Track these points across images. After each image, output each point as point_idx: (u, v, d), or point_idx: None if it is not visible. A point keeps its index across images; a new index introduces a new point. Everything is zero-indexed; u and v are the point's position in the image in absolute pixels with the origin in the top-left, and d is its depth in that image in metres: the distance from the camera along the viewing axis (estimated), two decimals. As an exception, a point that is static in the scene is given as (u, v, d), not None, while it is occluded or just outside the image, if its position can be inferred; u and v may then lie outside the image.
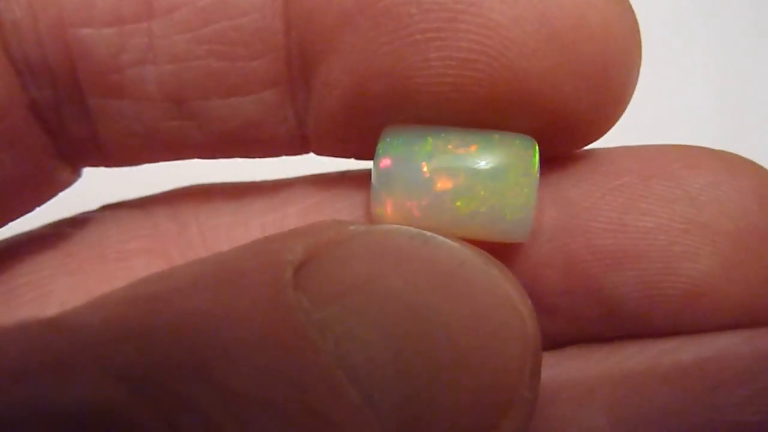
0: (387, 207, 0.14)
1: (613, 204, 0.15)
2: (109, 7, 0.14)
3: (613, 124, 0.15)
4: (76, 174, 0.17)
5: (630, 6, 0.14)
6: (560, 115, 0.14)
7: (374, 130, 0.15)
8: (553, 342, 0.16)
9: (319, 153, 0.17)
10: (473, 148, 0.14)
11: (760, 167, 0.15)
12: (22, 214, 0.16)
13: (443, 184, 0.14)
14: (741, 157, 0.15)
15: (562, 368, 0.15)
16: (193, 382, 0.10)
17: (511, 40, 0.13)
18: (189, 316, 0.10)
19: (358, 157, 0.16)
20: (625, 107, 0.15)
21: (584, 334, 0.16)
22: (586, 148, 0.16)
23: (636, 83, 0.14)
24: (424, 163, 0.14)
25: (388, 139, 0.14)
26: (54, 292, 0.16)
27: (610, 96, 0.14)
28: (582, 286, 0.15)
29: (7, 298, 0.16)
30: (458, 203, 0.14)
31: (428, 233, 0.12)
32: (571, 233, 0.15)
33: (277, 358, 0.10)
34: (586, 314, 0.15)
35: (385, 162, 0.14)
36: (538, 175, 0.14)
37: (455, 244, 0.12)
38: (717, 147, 0.16)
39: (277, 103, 0.15)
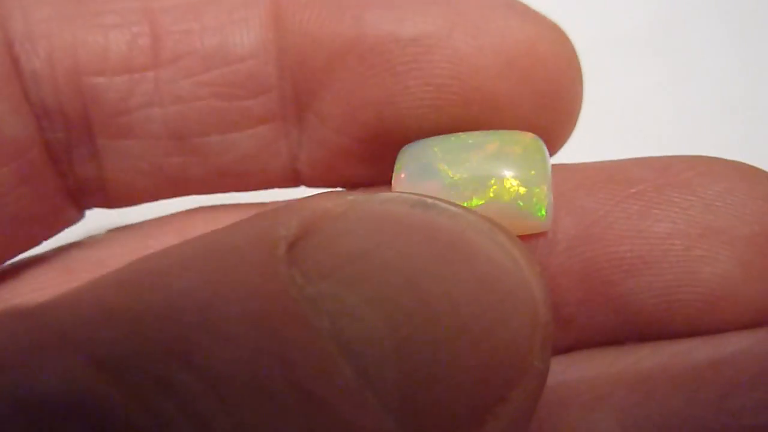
0: None
1: (629, 211, 0.15)
2: (120, 57, 0.16)
3: (567, 137, 0.17)
4: (80, 214, 0.18)
5: (569, 39, 0.16)
6: (524, 128, 0.16)
7: (363, 158, 0.17)
8: (567, 347, 0.16)
9: (310, 185, 0.18)
10: (488, 146, 0.15)
11: None
12: (26, 249, 0.18)
13: (463, 182, 0.14)
14: (753, 166, 0.16)
15: (572, 371, 0.15)
16: (177, 367, 0.09)
17: (477, 66, 0.15)
18: (175, 298, 0.10)
19: (346, 187, 0.18)
20: (576, 120, 0.17)
21: (600, 340, 0.16)
22: (599, 160, 0.16)
23: (581, 100, 0.17)
24: (441, 166, 0.15)
25: (405, 157, 0.16)
26: None
27: (562, 110, 0.16)
28: (600, 294, 0.15)
29: None
30: (478, 200, 0.14)
31: (430, 200, 0.12)
32: (588, 241, 0.15)
33: (266, 338, 0.10)
34: (605, 322, 0.15)
35: (404, 173, 0.15)
36: (549, 163, 0.15)
37: (458, 210, 0.12)
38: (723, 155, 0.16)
39: (271, 138, 0.17)
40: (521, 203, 0.14)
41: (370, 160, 0.17)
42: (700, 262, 0.15)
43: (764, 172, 0.16)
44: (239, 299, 0.10)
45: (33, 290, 0.17)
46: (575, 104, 0.17)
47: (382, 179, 0.17)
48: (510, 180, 0.15)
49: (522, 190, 0.14)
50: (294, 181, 0.18)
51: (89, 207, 0.18)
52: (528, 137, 0.15)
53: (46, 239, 0.18)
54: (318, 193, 0.13)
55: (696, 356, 0.14)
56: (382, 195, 0.12)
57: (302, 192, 0.18)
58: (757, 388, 0.13)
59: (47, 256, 0.18)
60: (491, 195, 0.14)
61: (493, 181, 0.15)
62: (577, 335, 0.16)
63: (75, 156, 0.17)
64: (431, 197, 0.12)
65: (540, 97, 0.16)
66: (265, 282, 0.10)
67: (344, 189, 0.18)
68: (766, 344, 0.14)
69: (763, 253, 0.15)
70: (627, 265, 0.15)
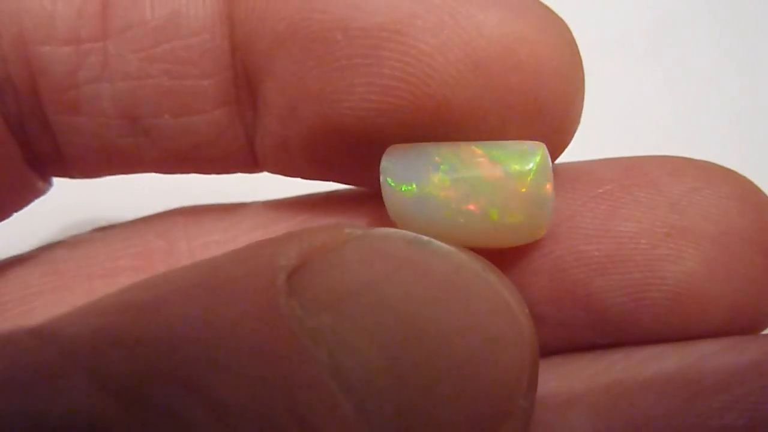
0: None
1: (596, 211, 0.15)
2: (67, 26, 0.15)
3: (556, 156, 0.15)
4: (47, 183, 0.18)
5: (570, 38, 0.14)
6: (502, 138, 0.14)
7: (313, 151, 0.15)
8: (542, 350, 0.15)
9: (271, 171, 0.17)
10: (481, 157, 0.13)
11: (738, 174, 0.16)
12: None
13: (457, 197, 0.13)
14: (719, 165, 0.16)
15: (547, 376, 0.15)
16: (181, 394, 0.09)
17: (434, 68, 0.13)
18: (179, 325, 0.10)
19: (305, 177, 0.17)
20: (568, 140, 0.15)
21: (573, 341, 0.16)
22: (568, 161, 0.16)
23: (579, 115, 0.15)
24: (433, 176, 0.14)
25: (392, 159, 0.14)
26: (38, 307, 0.16)
27: (544, 128, 0.14)
28: (569, 293, 0.15)
29: None
30: (469, 208, 0.13)
31: (426, 238, 0.12)
32: (556, 241, 0.15)
33: (268, 368, 0.10)
34: (574, 321, 0.15)
35: (391, 185, 0.14)
36: (550, 169, 0.14)
37: (453, 249, 0.12)
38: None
39: (228, 122, 0.16)
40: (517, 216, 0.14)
41: (318, 159, 0.15)
42: (665, 261, 0.15)
43: (731, 171, 0.16)
44: (241, 329, 0.10)
45: (20, 290, 0.17)
46: (567, 118, 0.14)
47: (335, 178, 0.16)
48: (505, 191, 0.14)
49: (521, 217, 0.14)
50: (255, 167, 0.17)
51: (53, 176, 0.18)
52: (527, 146, 0.14)
53: (16, 210, 0.17)
54: (317, 226, 0.12)
55: (665, 361, 0.15)
56: (380, 231, 0.12)
57: (264, 177, 0.17)
58: (722, 391, 0.14)
59: (32, 255, 0.17)
60: (488, 211, 0.14)
61: (490, 195, 0.14)
62: (549, 333, 0.15)
63: (30, 129, 0.16)
64: (426, 237, 0.12)
65: (516, 111, 0.14)
66: (265, 312, 0.10)
67: (302, 179, 0.17)
68: (731, 351, 0.14)
69: (728, 251, 0.15)
70: (595, 264, 0.15)
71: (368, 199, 0.16)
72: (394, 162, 0.14)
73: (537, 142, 0.14)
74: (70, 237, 0.18)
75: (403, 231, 0.12)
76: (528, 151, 0.13)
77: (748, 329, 0.15)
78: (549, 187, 0.14)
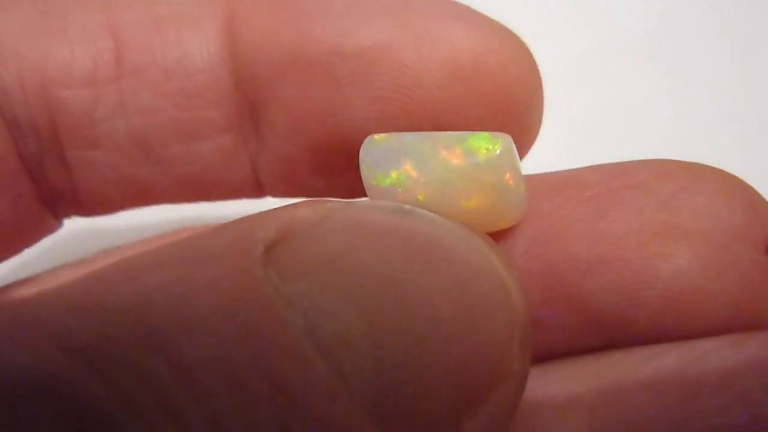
0: None
1: (585, 213, 0.15)
2: (85, 71, 0.17)
3: (527, 147, 0.17)
4: (58, 221, 0.19)
5: (525, 48, 0.16)
6: (502, 116, 0.16)
7: (316, 168, 0.17)
8: (539, 355, 0.16)
9: (274, 195, 0.19)
10: (447, 147, 0.14)
11: (726, 172, 0.16)
12: (8, 257, 0.18)
13: (424, 185, 0.14)
14: (707, 165, 0.16)
15: (544, 378, 0.15)
16: (149, 356, 0.09)
17: (420, 78, 0.15)
18: (148, 292, 0.10)
19: (308, 195, 0.18)
20: (535, 132, 0.17)
21: (569, 345, 0.16)
22: (572, 162, 0.16)
23: (541, 113, 0.17)
24: (402, 165, 0.14)
25: (368, 150, 0.15)
26: None
27: (514, 123, 0.16)
28: (562, 296, 0.15)
29: None
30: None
31: (408, 207, 0.12)
32: (546, 244, 0.15)
33: (239, 332, 0.10)
34: (569, 323, 0.15)
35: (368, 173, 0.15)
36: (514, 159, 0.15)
37: (436, 217, 0.12)
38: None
39: (232, 147, 0.17)
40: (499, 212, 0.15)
41: (324, 171, 0.17)
42: (656, 259, 0.15)
43: (719, 170, 0.16)
44: (213, 295, 0.10)
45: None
46: (531, 114, 0.16)
47: (339, 190, 0.17)
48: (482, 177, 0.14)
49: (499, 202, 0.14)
50: (258, 191, 0.18)
51: (66, 215, 0.19)
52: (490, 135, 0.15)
53: (27, 247, 0.19)
54: (298, 201, 0.13)
55: (664, 360, 0.14)
56: (361, 202, 0.12)
57: (268, 203, 0.19)
58: (723, 389, 0.13)
59: (40, 277, 0.19)
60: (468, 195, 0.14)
61: (467, 182, 0.14)
62: (544, 337, 0.16)
63: (47, 166, 0.17)
64: (410, 206, 0.12)
65: (489, 109, 0.16)
66: (239, 279, 0.10)
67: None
68: (730, 348, 0.14)
69: (720, 247, 0.15)
70: (585, 266, 0.15)
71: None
72: (370, 152, 0.15)
73: (501, 133, 0.15)
74: (79, 260, 0.19)
75: (387, 202, 0.12)
76: (491, 139, 0.14)
77: (748, 325, 0.15)
78: (508, 176, 0.14)
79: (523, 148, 0.17)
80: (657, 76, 0.30)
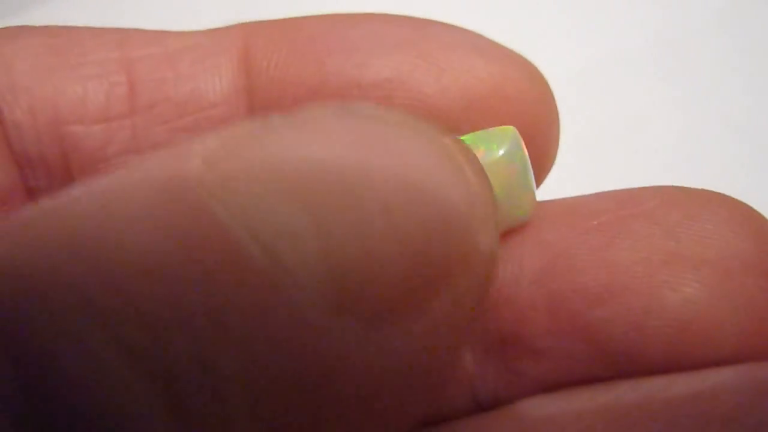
0: None
1: (591, 243, 0.15)
2: (98, 107, 0.17)
3: (543, 175, 0.17)
4: None
5: (542, 77, 0.17)
6: None
7: None
8: (546, 384, 0.16)
9: None
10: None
11: (735, 199, 0.16)
12: None
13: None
14: (714, 192, 0.16)
15: (554, 406, 0.15)
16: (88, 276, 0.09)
17: (439, 108, 0.16)
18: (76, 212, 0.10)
19: None
20: (551, 160, 0.17)
21: (575, 375, 0.16)
22: (602, 178, 0.17)
23: (557, 141, 0.17)
24: None
25: None
26: None
27: (532, 151, 0.16)
28: (568, 325, 0.15)
29: None
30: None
31: (356, 105, 0.11)
32: (552, 274, 0.15)
33: (165, 229, 0.10)
34: (575, 354, 0.15)
35: None
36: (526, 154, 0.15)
37: (385, 110, 0.11)
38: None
39: None
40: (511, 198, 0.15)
41: None
42: (664, 288, 0.15)
43: (727, 197, 0.16)
44: (139, 204, 0.10)
45: None
46: (548, 142, 0.17)
47: None
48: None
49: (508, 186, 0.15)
50: None
51: None
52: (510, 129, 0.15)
53: None
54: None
55: (674, 390, 0.14)
56: (309, 108, 0.12)
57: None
58: (736, 419, 0.13)
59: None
60: None
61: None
62: (551, 366, 0.15)
63: None
64: (357, 105, 0.12)
65: None
66: (170, 185, 0.10)
67: None
68: (744, 377, 0.14)
69: (729, 276, 0.15)
70: (592, 296, 0.15)
71: None
72: None
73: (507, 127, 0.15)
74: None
75: (337, 103, 0.12)
76: (498, 136, 0.15)
77: (757, 353, 0.15)
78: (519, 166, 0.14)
79: (540, 174, 0.17)
80: (661, 88, 0.30)
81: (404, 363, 0.10)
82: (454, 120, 0.16)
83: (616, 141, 0.27)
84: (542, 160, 0.17)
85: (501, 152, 0.14)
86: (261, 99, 0.17)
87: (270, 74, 0.17)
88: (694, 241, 0.15)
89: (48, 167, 0.17)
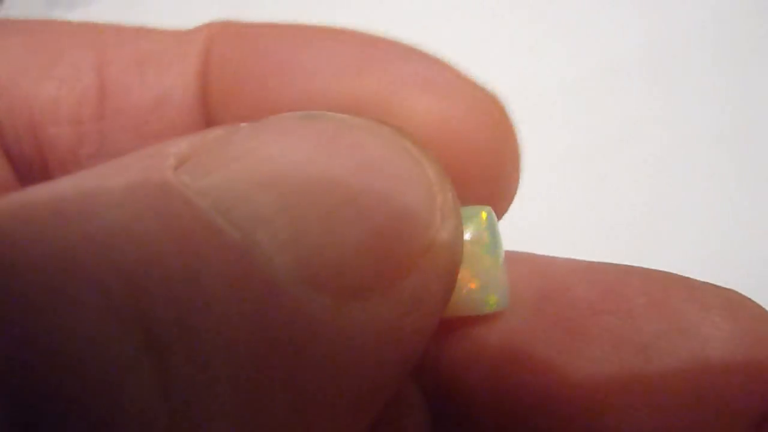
0: None
1: (558, 344, 0.14)
2: (69, 110, 0.17)
3: (502, 211, 0.16)
4: None
5: (500, 112, 0.15)
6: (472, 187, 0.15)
7: None
8: None
9: None
10: None
11: (743, 308, 0.13)
12: None
13: None
14: (717, 292, 0.13)
15: None
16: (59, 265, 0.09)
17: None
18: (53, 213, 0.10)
19: None
20: (511, 196, 0.16)
21: None
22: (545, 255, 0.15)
23: (515, 176, 0.16)
24: None
25: None
26: None
27: (487, 189, 0.15)
28: (510, 421, 0.14)
29: None
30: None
31: (318, 112, 0.12)
32: (511, 366, 0.14)
33: (152, 226, 0.10)
34: None
35: None
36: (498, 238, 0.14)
37: (347, 116, 0.12)
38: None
39: None
40: (473, 296, 0.14)
41: None
42: (614, 412, 0.13)
43: (733, 304, 0.13)
44: (120, 204, 0.10)
45: None
46: (505, 182, 0.16)
47: None
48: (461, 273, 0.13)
49: (473, 284, 0.14)
50: None
51: None
52: (480, 214, 0.14)
53: None
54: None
55: None
56: (274, 116, 0.13)
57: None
58: None
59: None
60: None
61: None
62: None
63: None
64: (320, 111, 0.12)
65: (459, 177, 0.14)
66: (149, 184, 0.11)
67: None
68: None
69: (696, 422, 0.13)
70: (540, 400, 0.14)
71: None
72: None
73: (480, 206, 0.14)
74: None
75: (300, 111, 0.12)
76: (470, 217, 0.14)
77: None
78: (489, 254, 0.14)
79: (499, 210, 0.16)
80: (651, 97, 0.30)
81: (374, 341, 0.11)
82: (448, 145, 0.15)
83: (605, 149, 0.27)
84: (497, 198, 0.16)
85: (467, 235, 0.14)
86: (217, 110, 0.17)
87: (227, 88, 0.16)
88: (666, 367, 0.13)
89: (30, 166, 0.18)
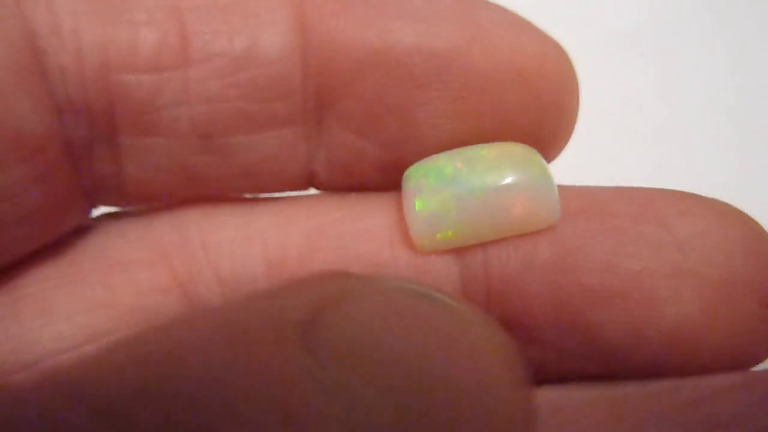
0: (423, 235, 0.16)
1: (604, 245, 0.16)
2: (150, 55, 0.16)
3: (563, 146, 0.18)
4: (88, 214, 0.19)
5: (567, 54, 0.17)
6: (527, 137, 0.17)
7: (378, 163, 0.18)
8: (539, 376, 0.16)
9: (321, 188, 0.19)
10: (491, 154, 0.17)
11: (749, 218, 0.16)
12: (32, 248, 0.17)
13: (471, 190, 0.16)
14: (731, 207, 0.16)
15: (562, 399, 0.16)
16: None
17: (491, 80, 0.17)
18: (192, 374, 0.11)
19: (358, 190, 0.18)
20: (572, 130, 0.18)
21: (570, 369, 0.17)
22: (583, 185, 0.17)
23: (578, 112, 0.18)
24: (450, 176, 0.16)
25: (412, 172, 0.17)
26: (57, 304, 0.17)
27: (562, 121, 0.17)
28: (569, 321, 0.16)
29: (12, 310, 0.17)
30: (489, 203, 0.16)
31: (430, 291, 0.13)
32: (562, 270, 0.16)
33: (281, 423, 0.10)
34: (573, 348, 0.16)
35: (416, 188, 0.16)
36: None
37: (457, 304, 0.13)
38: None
39: (292, 140, 0.17)
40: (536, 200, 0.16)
41: (385, 166, 0.18)
42: (665, 301, 0.15)
43: (741, 213, 0.16)
44: (256, 382, 0.11)
45: (38, 283, 0.17)
46: (573, 115, 0.18)
47: (393, 185, 0.18)
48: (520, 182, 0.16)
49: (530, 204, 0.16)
50: (306, 184, 0.19)
51: (101, 205, 0.19)
52: (522, 147, 0.17)
53: (51, 239, 0.18)
54: (323, 272, 0.14)
55: (681, 393, 0.15)
56: (387, 282, 0.13)
57: (311, 193, 0.19)
58: (739, 425, 0.14)
59: (48, 246, 0.18)
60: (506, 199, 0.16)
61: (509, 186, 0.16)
62: (547, 358, 0.17)
63: (95, 153, 0.17)
64: (429, 288, 0.13)
65: (544, 109, 0.17)
66: (279, 365, 0.11)
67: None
68: (748, 383, 0.15)
69: (729, 299, 0.15)
70: (596, 297, 0.16)
71: (383, 200, 0.18)
72: (411, 178, 0.17)
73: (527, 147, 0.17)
74: (84, 225, 0.19)
75: (409, 284, 0.13)
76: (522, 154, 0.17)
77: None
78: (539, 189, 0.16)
79: (561, 146, 0.18)
80: (652, 70, 0.31)
81: None
82: (501, 93, 0.17)
83: (608, 123, 0.28)
84: (565, 132, 0.18)
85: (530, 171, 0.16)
86: (317, 59, 0.17)
87: (329, 36, 0.16)
88: (701, 258, 0.16)
89: (91, 116, 0.16)
